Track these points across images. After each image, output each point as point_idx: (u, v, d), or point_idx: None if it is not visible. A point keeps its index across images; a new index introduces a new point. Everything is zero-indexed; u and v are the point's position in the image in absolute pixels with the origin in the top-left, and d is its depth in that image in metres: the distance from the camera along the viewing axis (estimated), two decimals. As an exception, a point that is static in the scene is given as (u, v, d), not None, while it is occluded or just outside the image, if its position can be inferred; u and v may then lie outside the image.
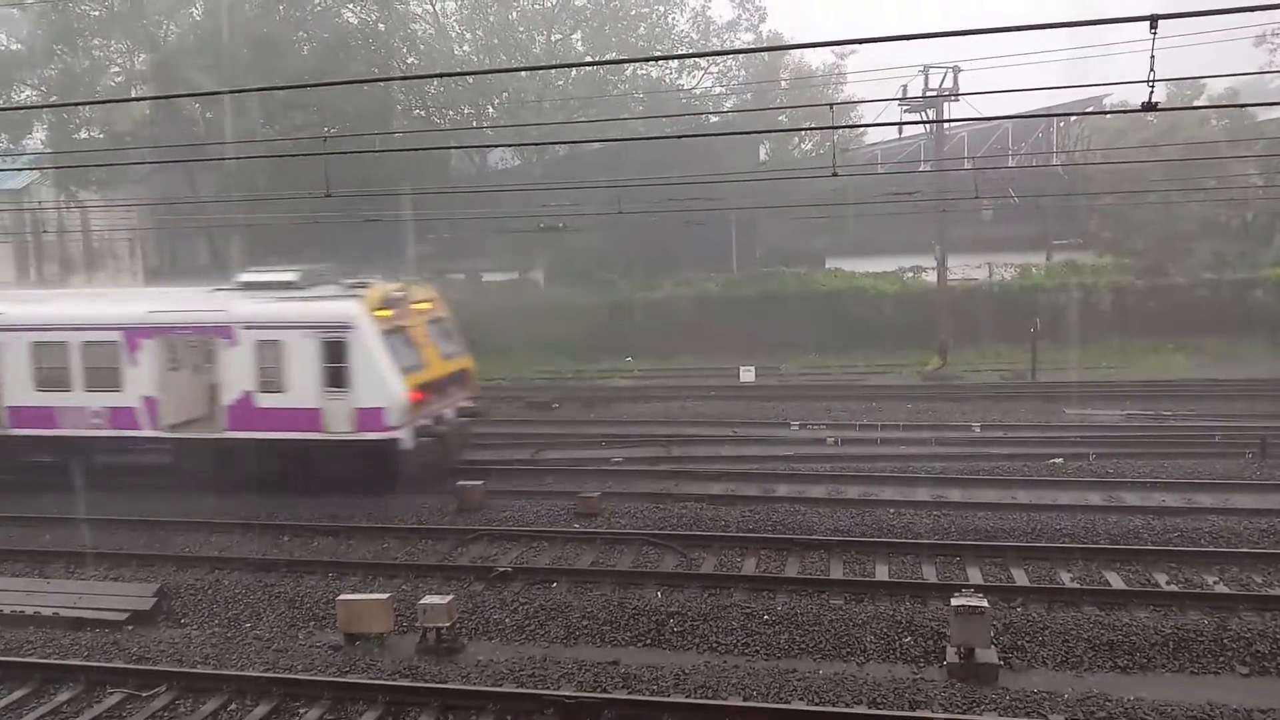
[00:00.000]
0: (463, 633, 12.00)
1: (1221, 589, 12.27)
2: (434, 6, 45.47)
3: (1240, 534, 14.38)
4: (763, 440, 22.48)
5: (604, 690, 10.15)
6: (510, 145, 41.30)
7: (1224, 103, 34.82)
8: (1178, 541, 14.18)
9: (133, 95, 35.76)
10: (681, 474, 19.17)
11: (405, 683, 10.45)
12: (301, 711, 10.04)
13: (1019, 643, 11.19)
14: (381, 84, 36.57)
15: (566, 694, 9.95)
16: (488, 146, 41.21)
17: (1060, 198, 39.89)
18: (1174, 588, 12.37)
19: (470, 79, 41.23)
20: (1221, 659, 10.80)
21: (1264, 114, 38.66)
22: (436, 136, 37.94)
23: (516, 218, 30.78)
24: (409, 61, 43.07)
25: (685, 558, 14.19)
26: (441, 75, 32.17)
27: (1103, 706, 9.60)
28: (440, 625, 11.65)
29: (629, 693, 10.10)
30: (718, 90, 46.04)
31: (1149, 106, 14.86)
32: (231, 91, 23.61)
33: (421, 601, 11.88)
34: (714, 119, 44.24)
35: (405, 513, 16.91)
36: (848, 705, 9.73)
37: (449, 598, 11.93)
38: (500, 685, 10.35)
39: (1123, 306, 36.30)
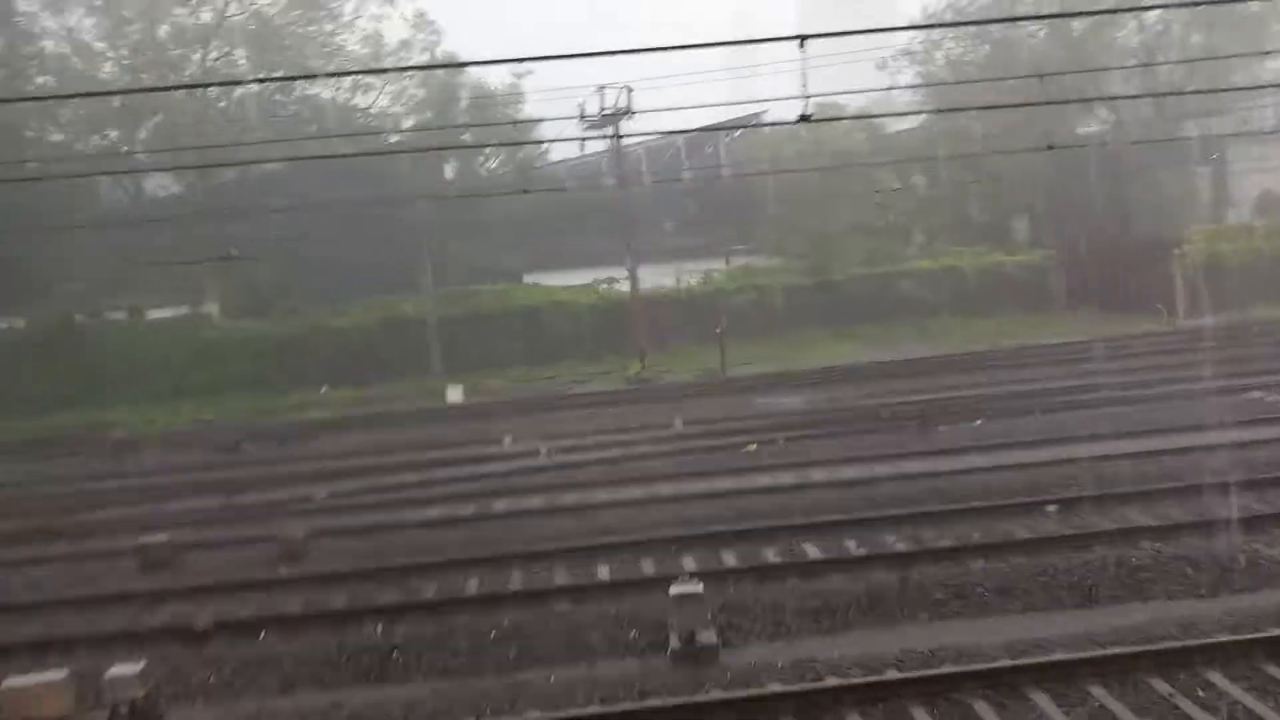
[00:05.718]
0: (161, 701, 10.78)
1: (900, 547, 13.60)
2: (69, 22, 41.08)
3: (913, 496, 16.02)
4: (476, 459, 22.22)
5: (328, 736, 9.53)
6: (164, 169, 37.94)
7: (860, 117, 39.18)
8: (862, 509, 15.56)
9: None
10: (395, 503, 18.50)
11: (94, 769, 9.24)
12: (-38, 826, 8.57)
13: (734, 621, 11.76)
14: (8, 104, 32.47)
15: (287, 748, 9.24)
16: (135, 171, 37.59)
17: (731, 207, 43.08)
18: (862, 551, 13.55)
19: (118, 100, 37.66)
20: (906, 609, 11.91)
21: (893, 126, 43.92)
22: (80, 164, 34.22)
23: (181, 249, 28.36)
24: (39, 82, 38.64)
25: (405, 588, 13.67)
26: (76, 95, 29.12)
27: (811, 668, 10.28)
28: (133, 697, 10.39)
29: (356, 734, 9.56)
30: (395, 109, 45.15)
31: (804, 118, 16.32)
32: None
33: (107, 674, 10.54)
34: (394, 138, 43.33)
35: (76, 580, 15.00)
36: (580, 707, 9.75)
37: (140, 665, 10.68)
38: (210, 752, 9.42)
39: (794, 303, 39.86)
